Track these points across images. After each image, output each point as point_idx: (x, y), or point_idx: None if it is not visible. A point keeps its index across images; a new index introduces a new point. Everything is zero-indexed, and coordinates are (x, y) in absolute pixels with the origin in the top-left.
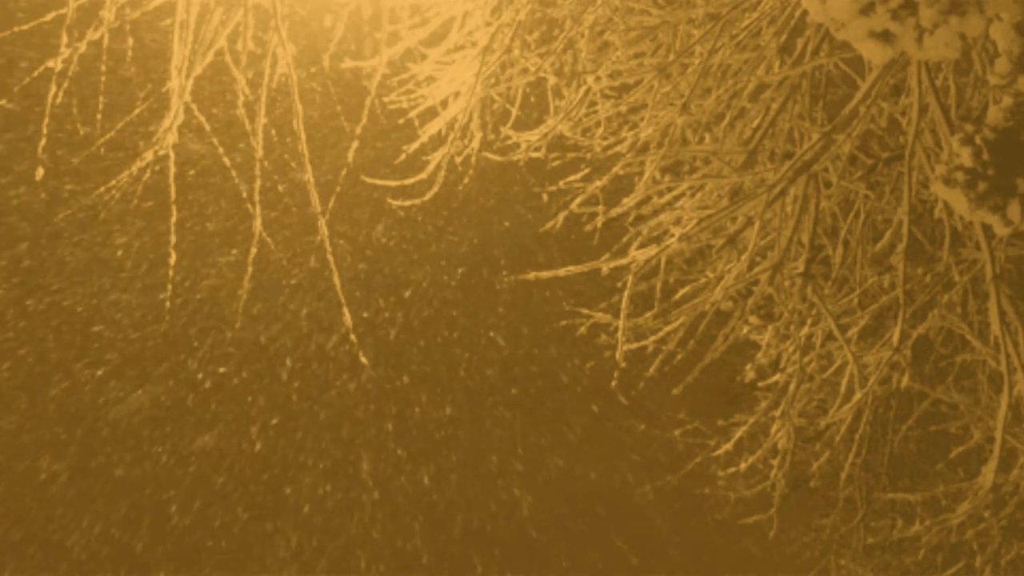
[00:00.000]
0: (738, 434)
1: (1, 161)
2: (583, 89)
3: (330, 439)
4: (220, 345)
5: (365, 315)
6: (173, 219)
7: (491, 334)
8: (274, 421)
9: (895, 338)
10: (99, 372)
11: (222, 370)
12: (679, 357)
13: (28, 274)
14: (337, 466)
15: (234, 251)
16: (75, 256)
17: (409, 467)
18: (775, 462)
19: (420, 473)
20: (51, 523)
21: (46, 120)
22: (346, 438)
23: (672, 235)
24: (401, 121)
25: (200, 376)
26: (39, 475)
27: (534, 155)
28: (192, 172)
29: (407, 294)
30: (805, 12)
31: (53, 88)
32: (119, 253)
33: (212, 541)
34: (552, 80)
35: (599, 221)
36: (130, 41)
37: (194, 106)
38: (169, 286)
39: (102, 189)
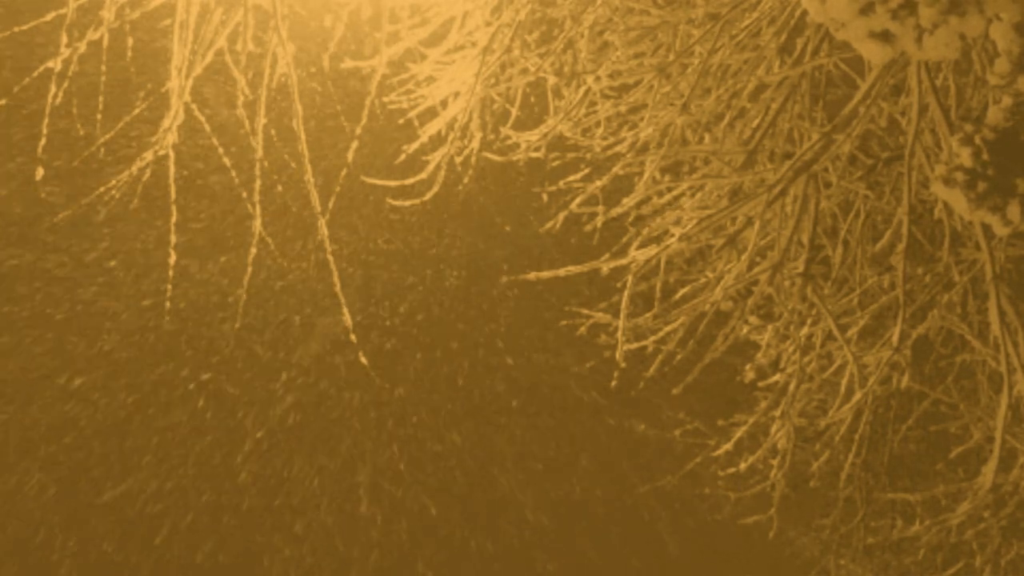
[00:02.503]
0: (738, 434)
1: None
2: (583, 89)
3: (326, 451)
4: (212, 353)
5: (360, 318)
6: (173, 219)
7: (491, 335)
8: (267, 433)
9: (895, 338)
10: (86, 381)
11: (214, 379)
12: (679, 357)
13: (13, 281)
14: (333, 478)
15: (223, 257)
16: (62, 263)
17: (407, 478)
18: (775, 462)
19: (419, 485)
20: (37, 537)
21: (46, 120)
22: (343, 450)
23: (672, 235)
24: (401, 121)
25: (192, 386)
26: (25, 488)
27: (534, 155)
28: (185, 173)
29: (406, 295)
30: (805, 12)
31: (53, 88)
32: (108, 261)
33: (202, 557)
34: (552, 80)
35: (599, 221)
36: (130, 41)
37: (194, 106)
38: (168, 286)
39: (101, 190)
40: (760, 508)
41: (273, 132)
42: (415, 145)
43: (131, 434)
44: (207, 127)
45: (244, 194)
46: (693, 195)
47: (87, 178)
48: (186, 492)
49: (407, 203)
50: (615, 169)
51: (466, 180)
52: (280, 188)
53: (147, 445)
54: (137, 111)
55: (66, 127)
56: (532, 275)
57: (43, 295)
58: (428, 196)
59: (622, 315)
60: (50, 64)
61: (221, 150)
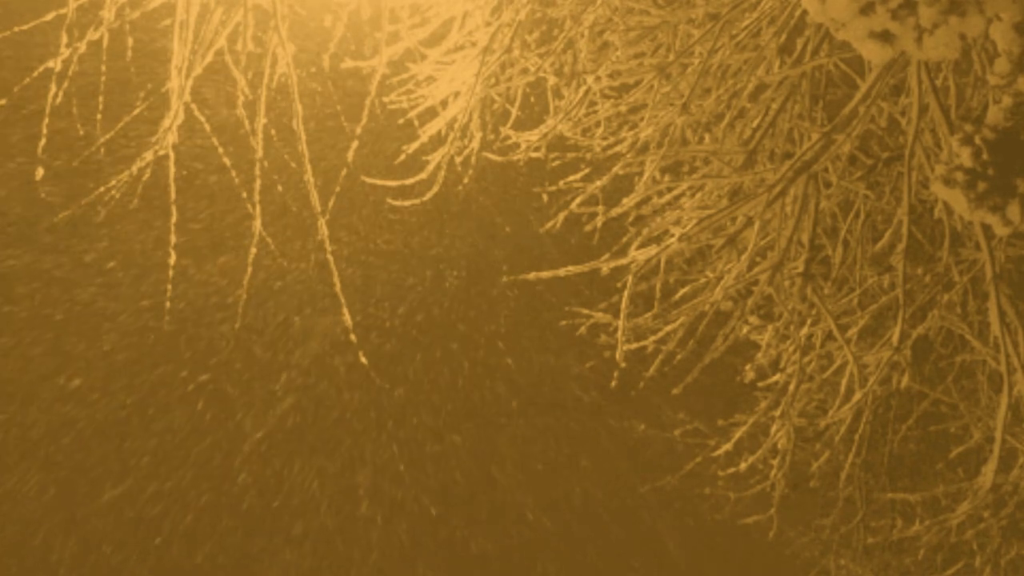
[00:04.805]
0: (738, 434)
1: None
2: (583, 89)
3: (326, 452)
4: (211, 354)
5: (360, 319)
6: (173, 219)
7: (491, 335)
8: (266, 434)
9: (895, 338)
10: (85, 382)
11: (213, 380)
12: (679, 357)
13: (11, 282)
14: (333, 479)
15: (222, 258)
16: (61, 263)
17: (408, 479)
18: (775, 462)
19: (419, 486)
20: (36, 538)
21: (46, 120)
22: (343, 450)
23: (672, 235)
24: (401, 121)
25: (191, 387)
26: (25, 488)
27: (534, 155)
28: (183, 174)
29: (406, 295)
30: (805, 12)
31: (53, 88)
32: (107, 262)
33: (202, 558)
34: (552, 80)
35: (599, 221)
36: (130, 41)
37: (194, 106)
38: (168, 286)
39: (101, 190)
40: (760, 508)
41: (273, 132)
42: (415, 145)
43: (130, 435)
44: (207, 127)
45: (244, 194)
46: (693, 195)
47: (87, 178)
48: (185, 493)
49: (407, 203)
50: (615, 169)
51: (466, 180)
52: (280, 188)
53: (146, 446)
54: (137, 111)
55: (66, 127)
56: (532, 275)
57: (42, 295)
58: (428, 196)
59: (622, 315)
60: (50, 64)
61: (221, 150)
